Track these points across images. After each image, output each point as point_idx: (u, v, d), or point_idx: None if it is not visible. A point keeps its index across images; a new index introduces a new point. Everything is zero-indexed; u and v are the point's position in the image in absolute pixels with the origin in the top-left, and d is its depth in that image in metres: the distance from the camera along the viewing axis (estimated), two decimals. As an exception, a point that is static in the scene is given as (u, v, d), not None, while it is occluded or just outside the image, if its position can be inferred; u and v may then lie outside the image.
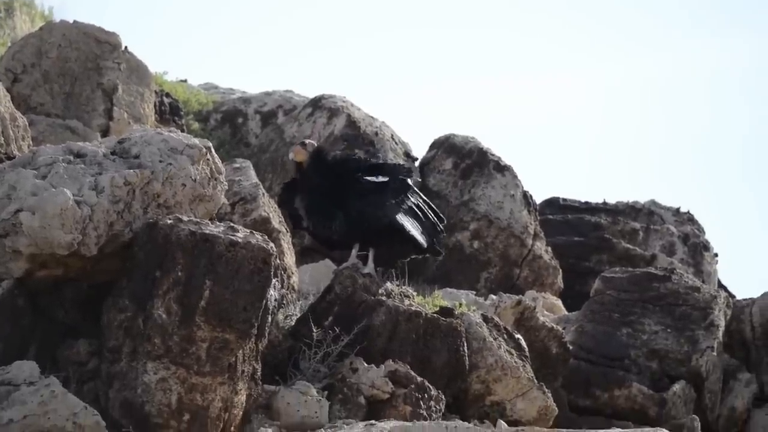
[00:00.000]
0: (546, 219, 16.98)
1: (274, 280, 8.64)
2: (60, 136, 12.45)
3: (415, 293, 10.36)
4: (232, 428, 8.51)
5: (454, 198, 15.40)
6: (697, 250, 17.71)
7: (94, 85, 13.52)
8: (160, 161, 8.85)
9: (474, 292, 13.25)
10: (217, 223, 8.81)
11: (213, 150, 9.22)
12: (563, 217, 17.62)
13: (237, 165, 11.70)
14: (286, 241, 11.13)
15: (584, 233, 17.21)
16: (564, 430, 9.02)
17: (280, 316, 9.77)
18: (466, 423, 8.84)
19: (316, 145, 10.11)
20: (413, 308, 9.71)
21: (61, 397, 7.83)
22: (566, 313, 14.30)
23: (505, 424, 9.33)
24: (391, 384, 9.25)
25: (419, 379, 9.35)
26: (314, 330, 9.30)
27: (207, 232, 8.46)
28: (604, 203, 18.20)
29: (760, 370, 13.60)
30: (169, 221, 8.50)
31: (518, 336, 10.54)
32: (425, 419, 9.12)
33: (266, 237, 8.77)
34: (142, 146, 8.93)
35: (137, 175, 8.69)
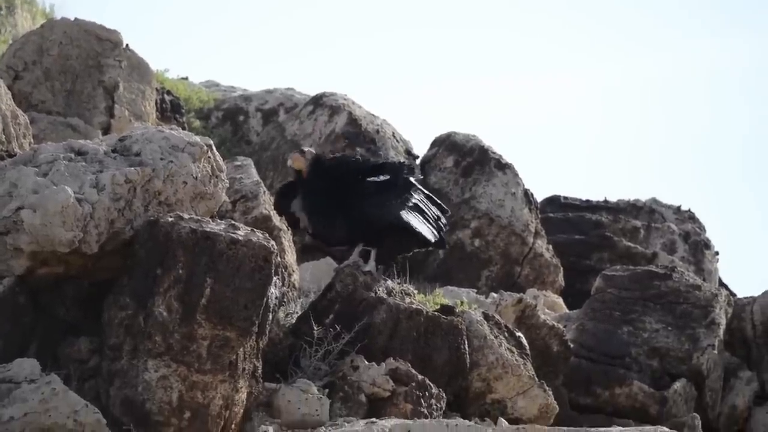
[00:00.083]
0: (547, 217, 16.98)
1: (275, 278, 8.64)
2: (61, 134, 12.45)
3: (416, 291, 10.37)
4: (233, 426, 8.51)
5: (455, 196, 15.39)
6: (698, 248, 17.71)
7: (95, 83, 13.52)
8: (162, 159, 8.85)
9: (475, 290, 13.25)
10: (218, 220, 8.81)
11: (214, 148, 9.22)
12: (564, 215, 17.62)
13: (238, 163, 11.71)
14: (287, 239, 11.13)
15: (585, 231, 17.21)
16: (565, 428, 9.02)
17: (281, 314, 9.78)
18: (466, 421, 8.85)
19: (314, 152, 10.08)
20: (414, 306, 9.71)
21: (62, 395, 7.84)
22: (567, 311, 14.30)
23: (506, 422, 9.33)
24: (392, 382, 9.25)
25: (420, 377, 9.35)
26: (315, 328, 9.30)
27: (208, 229, 8.46)
28: (605, 201, 18.20)
29: (761, 368, 13.60)
30: (170, 219, 8.50)
31: (519, 334, 10.54)
32: (426, 417, 9.12)
33: (267, 235, 8.76)
34: (143, 144, 8.93)
35: (138, 172, 8.69)
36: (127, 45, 13.86)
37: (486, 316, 10.40)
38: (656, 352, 12.54)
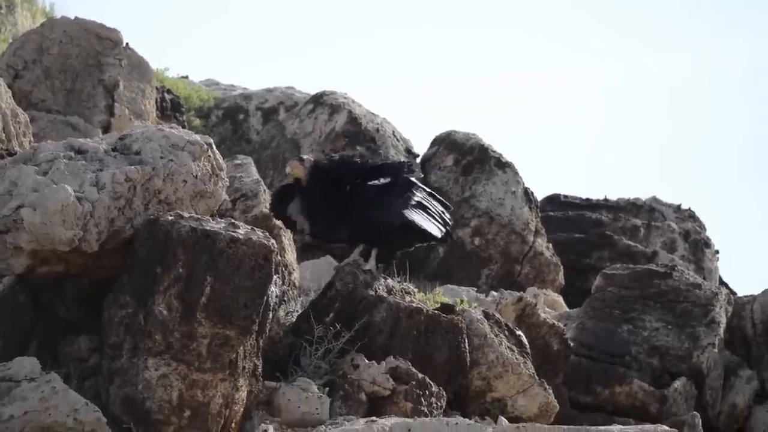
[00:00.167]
0: (547, 216, 16.98)
1: (275, 277, 8.64)
2: (61, 133, 12.46)
3: (416, 290, 10.37)
4: (233, 424, 8.51)
5: (455, 194, 15.38)
6: (698, 246, 17.71)
7: (95, 82, 13.52)
8: (162, 158, 8.84)
9: (475, 289, 13.25)
10: (218, 219, 8.81)
11: (214, 146, 9.22)
12: (564, 214, 17.61)
13: (238, 161, 11.71)
14: (287, 238, 11.14)
15: (585, 230, 17.21)
16: (565, 426, 9.01)
17: (281, 313, 9.78)
18: (467, 419, 8.85)
19: (313, 159, 10.03)
20: (414, 305, 9.71)
21: (62, 394, 7.84)
22: (567, 309, 14.30)
23: (506, 421, 9.33)
24: (392, 380, 9.25)
25: (420, 375, 9.35)
26: (315, 326, 9.30)
27: (208, 228, 8.46)
28: (605, 200, 18.19)
29: (761, 366, 13.60)
30: (170, 218, 8.50)
31: (519, 332, 10.54)
32: (426, 416, 9.12)
33: (267, 233, 8.76)
34: (143, 142, 8.93)
35: (138, 171, 8.69)
36: (127, 44, 13.87)
37: (486, 315, 10.40)
38: (656, 351, 12.54)
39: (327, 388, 9.11)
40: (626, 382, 12.30)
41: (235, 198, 10.94)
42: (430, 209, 10.08)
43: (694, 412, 12.15)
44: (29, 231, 8.34)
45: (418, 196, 10.11)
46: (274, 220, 10.56)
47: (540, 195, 17.08)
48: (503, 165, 15.74)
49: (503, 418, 9.54)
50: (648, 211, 18.13)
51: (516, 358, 10.20)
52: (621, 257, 16.23)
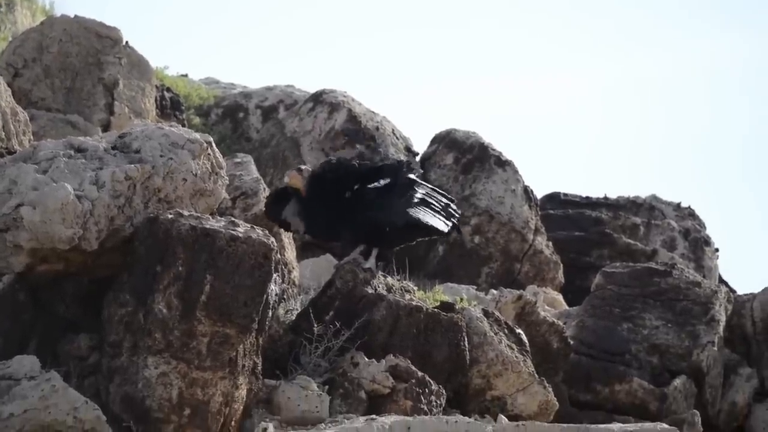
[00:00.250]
0: (547, 214, 16.99)
1: (274, 275, 8.64)
2: (61, 131, 12.46)
3: (415, 288, 10.37)
4: (233, 423, 8.51)
5: (455, 193, 15.38)
6: (698, 245, 17.72)
7: (95, 80, 13.52)
8: (161, 156, 8.84)
9: (475, 287, 13.27)
10: (218, 217, 8.80)
11: (214, 145, 9.21)
12: (564, 212, 17.62)
13: (238, 160, 11.71)
14: (287, 236, 11.14)
15: (585, 228, 17.22)
16: (565, 424, 9.02)
17: (281, 311, 9.78)
18: (466, 417, 8.85)
19: (311, 169, 10.00)
20: (414, 303, 9.71)
21: (61, 392, 7.84)
22: (567, 308, 14.31)
23: (506, 419, 9.33)
24: (391, 379, 9.25)
25: (420, 373, 9.35)
26: (315, 325, 9.30)
27: (208, 226, 8.45)
28: (605, 198, 18.20)
29: (761, 364, 13.61)
30: (169, 216, 8.50)
31: (519, 331, 10.54)
32: (426, 414, 9.12)
33: (267, 232, 8.76)
34: (143, 141, 8.93)
35: (138, 169, 8.69)
36: (126, 42, 13.87)
37: (486, 313, 10.40)
38: (656, 349, 12.54)
39: (327, 386, 9.10)
40: (626, 380, 12.31)
41: (235, 196, 10.94)
42: (433, 204, 10.05)
43: (694, 411, 12.15)
44: (29, 229, 8.34)
45: (421, 193, 10.08)
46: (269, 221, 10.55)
47: (540, 193, 17.12)
48: (503, 163, 15.75)
49: (503, 416, 9.53)
50: (648, 209, 18.13)
51: (516, 357, 10.20)
52: (621, 255, 16.25)
